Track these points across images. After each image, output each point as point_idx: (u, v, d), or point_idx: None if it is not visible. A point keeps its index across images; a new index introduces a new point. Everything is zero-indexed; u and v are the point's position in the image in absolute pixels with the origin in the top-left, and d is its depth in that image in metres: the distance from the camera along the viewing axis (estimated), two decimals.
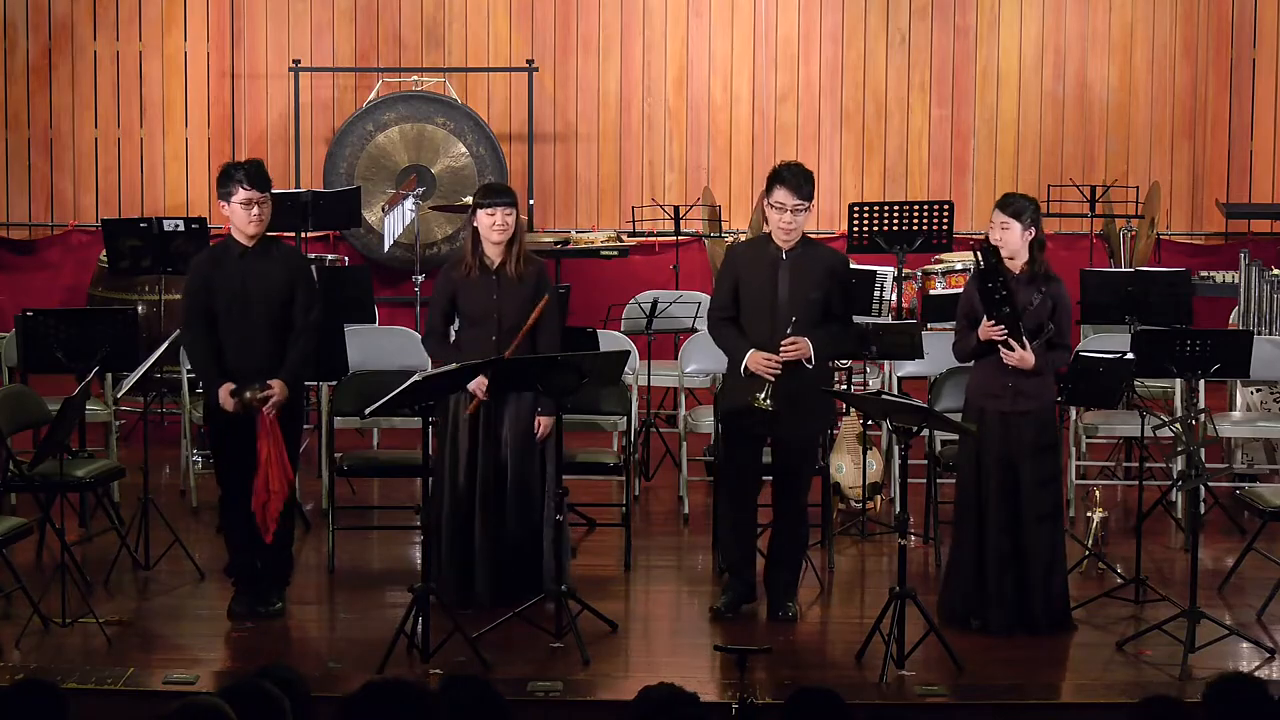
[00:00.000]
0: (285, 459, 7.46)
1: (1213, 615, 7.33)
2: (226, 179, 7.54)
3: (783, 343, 7.42)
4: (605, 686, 6.92)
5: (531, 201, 12.41)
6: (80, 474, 8.17)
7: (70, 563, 7.62)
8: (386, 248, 11.68)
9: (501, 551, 7.67)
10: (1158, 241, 12.44)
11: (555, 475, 7.66)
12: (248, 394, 7.40)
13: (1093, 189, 11.73)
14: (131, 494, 8.83)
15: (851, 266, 9.63)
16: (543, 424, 7.64)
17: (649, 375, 9.57)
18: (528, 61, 12.56)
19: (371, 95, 12.54)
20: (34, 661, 7.07)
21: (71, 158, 12.89)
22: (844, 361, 9.03)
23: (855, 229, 10.30)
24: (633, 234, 11.80)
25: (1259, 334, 9.53)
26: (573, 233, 11.88)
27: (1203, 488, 8.42)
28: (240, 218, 7.52)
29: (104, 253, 10.46)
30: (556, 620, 7.34)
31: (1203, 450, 7.54)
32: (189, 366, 9.20)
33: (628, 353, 8.36)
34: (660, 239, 12.31)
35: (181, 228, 9.46)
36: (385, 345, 9.18)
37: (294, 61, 12.47)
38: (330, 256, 11.52)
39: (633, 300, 10.08)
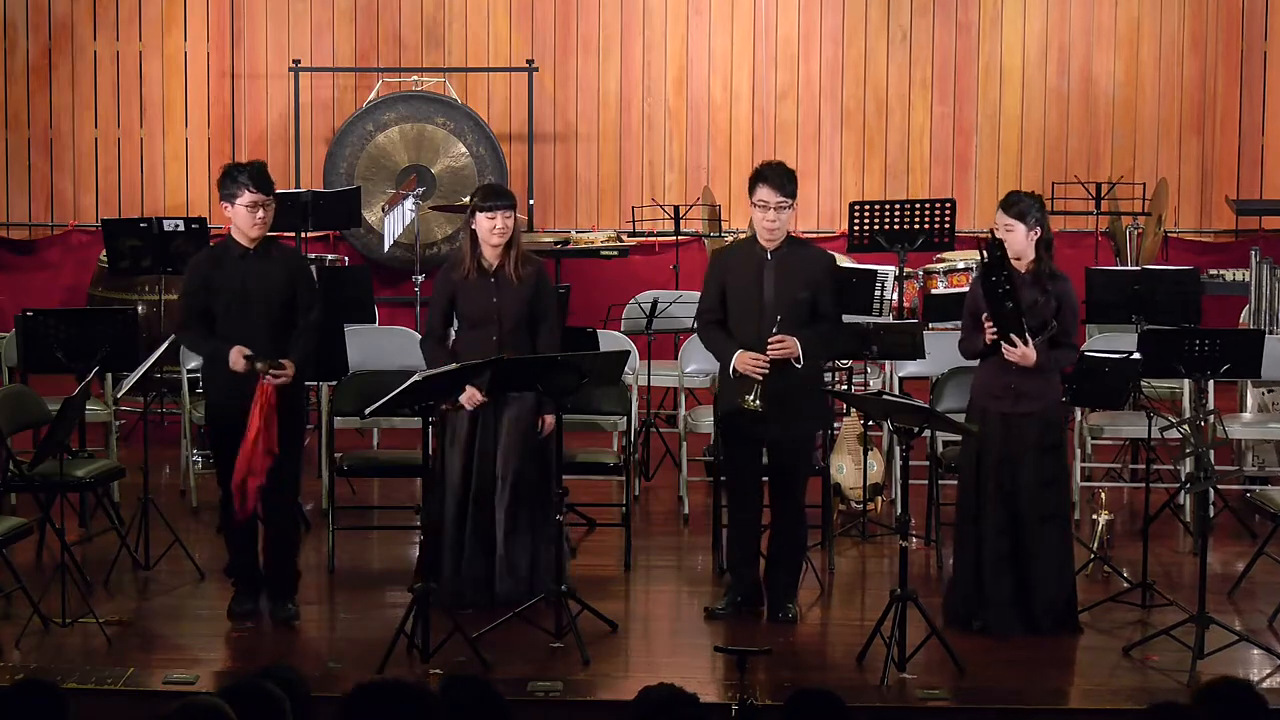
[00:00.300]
0: (274, 440, 7.43)
1: (1222, 621, 7.17)
2: (230, 180, 7.51)
3: (769, 340, 7.40)
4: (605, 686, 6.92)
5: (531, 201, 12.41)
6: (80, 474, 8.17)
7: (70, 563, 7.62)
8: (386, 248, 11.69)
9: (497, 552, 7.67)
10: (1165, 239, 12.30)
11: (555, 475, 7.66)
12: (259, 364, 7.38)
13: (1098, 186, 11.61)
14: (131, 494, 8.84)
15: (852, 266, 9.64)
16: (547, 422, 7.64)
17: (649, 375, 9.57)
18: (528, 61, 12.56)
19: (371, 95, 12.54)
20: (34, 661, 7.07)
21: (71, 158, 12.89)
22: (844, 361, 8.98)
23: (856, 228, 10.23)
24: (633, 234, 11.80)
25: (1270, 333, 9.38)
26: (573, 233, 11.88)
27: (1212, 490, 8.17)
28: (244, 220, 7.51)
29: (104, 253, 10.46)
30: (556, 620, 7.34)
31: (1211, 452, 7.39)
32: (190, 366, 9.20)
33: (628, 353, 8.36)
34: (660, 239, 12.30)
35: (181, 228, 9.46)
36: (385, 345, 9.18)
37: (294, 61, 12.47)
38: (330, 256, 11.51)
39: (633, 300, 10.06)
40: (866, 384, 9.90)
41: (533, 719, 6.56)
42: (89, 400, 8.36)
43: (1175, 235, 12.72)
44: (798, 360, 7.42)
